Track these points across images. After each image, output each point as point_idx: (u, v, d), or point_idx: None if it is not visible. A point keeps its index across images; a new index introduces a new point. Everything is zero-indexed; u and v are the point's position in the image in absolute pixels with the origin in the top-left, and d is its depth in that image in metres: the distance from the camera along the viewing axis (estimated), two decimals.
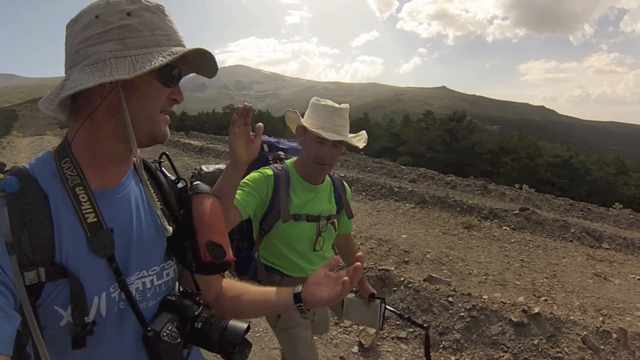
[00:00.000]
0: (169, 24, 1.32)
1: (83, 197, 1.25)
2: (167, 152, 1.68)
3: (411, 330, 6.14)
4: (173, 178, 1.66)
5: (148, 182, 1.49)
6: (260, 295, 1.75)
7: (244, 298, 1.73)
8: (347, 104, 2.95)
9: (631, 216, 16.55)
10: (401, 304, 6.77)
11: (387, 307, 3.58)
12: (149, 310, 1.40)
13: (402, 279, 7.18)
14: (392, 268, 7.71)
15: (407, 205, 13.98)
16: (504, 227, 12.35)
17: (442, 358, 5.83)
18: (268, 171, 2.86)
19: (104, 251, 1.25)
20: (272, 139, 3.36)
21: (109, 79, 1.18)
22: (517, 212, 13.10)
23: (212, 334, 1.42)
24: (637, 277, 9.43)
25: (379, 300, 3.47)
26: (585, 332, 5.88)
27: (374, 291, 3.55)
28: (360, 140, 3.04)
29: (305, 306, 1.67)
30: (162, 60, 1.22)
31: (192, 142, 26.68)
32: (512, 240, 11.33)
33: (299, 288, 1.68)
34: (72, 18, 1.30)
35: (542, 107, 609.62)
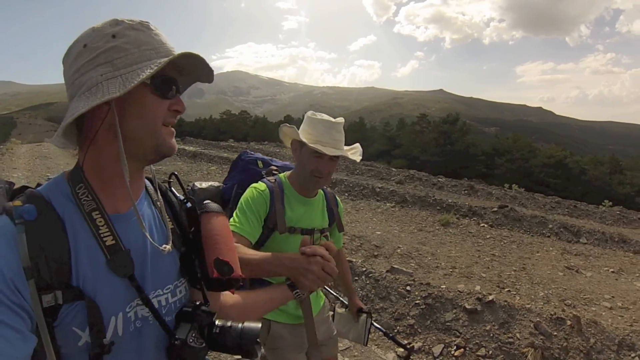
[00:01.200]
0: (156, 37, 1.33)
1: (100, 222, 1.29)
2: (176, 173, 1.78)
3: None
4: (182, 198, 1.68)
5: (159, 203, 1.55)
6: (259, 295, 1.84)
7: (245, 302, 1.78)
8: (343, 118, 2.95)
9: (618, 212, 16.80)
10: (361, 292, 6.97)
11: (373, 323, 3.68)
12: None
13: (364, 269, 7.37)
14: (359, 260, 7.88)
15: (388, 204, 14.17)
16: (482, 224, 12.56)
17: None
18: (261, 186, 2.85)
19: (124, 271, 1.29)
20: (266, 158, 3.32)
21: (99, 101, 1.21)
22: (495, 209, 13.30)
23: (230, 338, 1.47)
24: (611, 270, 9.65)
25: (365, 315, 3.55)
26: (538, 319, 6.04)
27: (363, 306, 3.63)
28: (355, 153, 3.04)
29: (301, 292, 1.82)
30: (149, 72, 1.23)
31: (186, 147, 26.79)
32: (488, 236, 11.53)
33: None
34: (64, 53, 1.35)
35: (540, 108, 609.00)
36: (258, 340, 1.51)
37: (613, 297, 7.97)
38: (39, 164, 19.19)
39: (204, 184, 3.02)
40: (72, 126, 1.32)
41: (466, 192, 18.57)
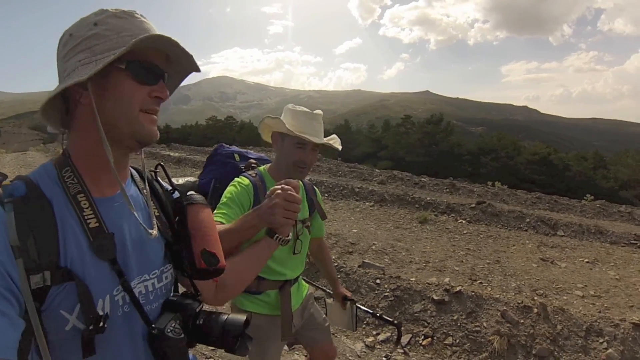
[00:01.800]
0: (140, 24, 1.33)
1: (84, 204, 1.30)
2: (162, 163, 1.75)
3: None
4: (169, 188, 1.70)
5: (144, 189, 1.57)
6: (245, 255, 1.84)
7: (236, 267, 1.78)
8: (321, 110, 3.02)
9: (598, 206, 16.88)
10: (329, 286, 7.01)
11: (360, 307, 3.75)
12: (152, 313, 1.45)
13: (336, 264, 7.49)
14: (333, 257, 7.93)
15: (367, 203, 14.22)
16: (460, 220, 12.64)
17: (364, 332, 6.21)
18: (245, 181, 2.85)
19: (106, 254, 1.30)
20: (242, 150, 3.33)
21: (67, 84, 1.25)
22: (473, 205, 13.39)
23: (213, 329, 1.48)
24: (586, 260, 9.74)
25: (350, 302, 3.61)
26: (505, 308, 6.15)
27: (348, 293, 3.69)
28: (336, 142, 3.10)
29: (281, 235, 1.84)
30: (112, 56, 1.24)
31: (171, 153, 26.75)
32: (465, 232, 11.60)
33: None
34: None
35: (525, 107, 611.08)
36: (245, 333, 1.53)
37: (586, 286, 8.06)
38: (25, 173, 19.17)
39: (180, 180, 2.95)
40: (56, 111, 1.37)
41: (448, 190, 18.62)
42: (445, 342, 5.96)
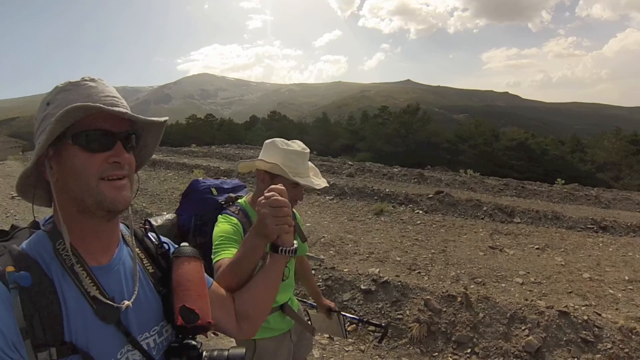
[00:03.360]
0: (84, 91, 1.33)
1: (83, 274, 1.32)
2: (149, 219, 1.79)
3: None
4: (157, 242, 1.70)
5: (137, 252, 1.57)
6: (256, 280, 1.81)
7: (250, 293, 1.78)
8: (307, 148, 2.98)
9: (565, 190, 17.21)
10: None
11: (346, 315, 3.84)
12: None
13: None
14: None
15: (327, 197, 14.35)
16: (417, 211, 12.79)
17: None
18: (233, 219, 2.82)
19: (111, 318, 1.33)
20: (216, 181, 3.28)
21: (24, 170, 1.35)
22: (431, 195, 13.53)
23: None
24: (536, 247, 9.93)
25: (336, 313, 3.70)
26: (429, 297, 6.28)
27: (331, 304, 3.78)
28: (323, 182, 3.08)
29: (284, 246, 1.77)
30: (41, 141, 1.27)
31: None
32: (418, 222, 11.75)
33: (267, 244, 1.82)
34: None
35: (507, 93, 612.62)
36: None
37: (528, 273, 8.22)
38: (3, 183, 18.74)
39: (159, 220, 2.90)
40: (35, 188, 1.43)
41: (415, 180, 18.75)
42: (369, 328, 6.17)
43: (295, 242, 1.83)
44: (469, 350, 5.78)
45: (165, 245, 1.69)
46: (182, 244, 1.68)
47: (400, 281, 6.88)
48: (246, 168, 3.05)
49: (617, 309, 6.78)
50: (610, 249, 10.16)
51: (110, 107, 1.28)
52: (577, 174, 44.52)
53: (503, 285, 7.58)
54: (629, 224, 11.85)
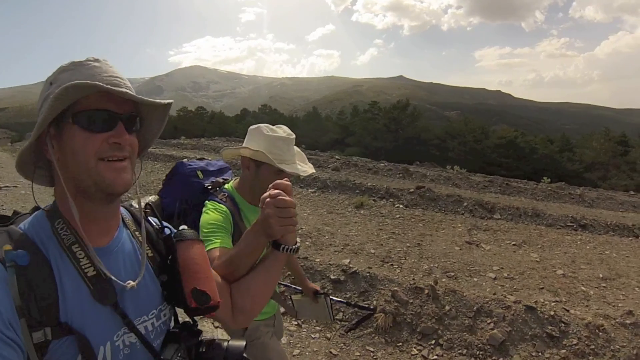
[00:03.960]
0: (86, 71, 1.31)
1: (80, 254, 1.31)
2: (150, 203, 1.79)
3: None
4: (159, 226, 1.68)
5: (136, 232, 1.57)
6: (256, 274, 1.76)
7: (250, 287, 1.75)
8: (293, 134, 2.91)
9: (549, 189, 17.28)
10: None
11: (333, 298, 3.78)
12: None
13: None
14: None
15: (309, 190, 14.42)
16: (397, 205, 12.85)
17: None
18: (222, 207, 2.77)
19: (108, 299, 1.32)
20: (201, 163, 3.14)
21: (22, 148, 1.33)
22: (412, 190, 13.57)
23: (216, 357, 1.51)
24: (513, 243, 10.01)
25: (323, 295, 3.64)
26: (396, 288, 6.32)
27: (317, 288, 3.72)
28: (310, 168, 3.01)
29: (287, 244, 1.71)
30: (41, 117, 1.26)
31: None
32: (397, 216, 11.81)
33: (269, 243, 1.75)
34: None
35: (499, 91, 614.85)
36: (245, 357, 1.54)
37: (502, 268, 8.27)
38: None
39: (142, 202, 2.81)
40: (34, 166, 1.40)
41: (401, 175, 18.77)
42: (336, 317, 6.19)
43: (298, 240, 1.80)
44: (433, 342, 5.81)
45: (167, 229, 1.68)
46: (182, 227, 1.67)
47: (369, 272, 6.93)
48: (231, 155, 3.05)
49: (587, 305, 6.83)
50: (588, 247, 10.24)
51: (110, 87, 1.25)
52: (565, 173, 44.94)
53: (475, 279, 7.63)
54: (608, 223, 11.95)
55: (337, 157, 24.54)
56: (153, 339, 1.46)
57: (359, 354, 5.83)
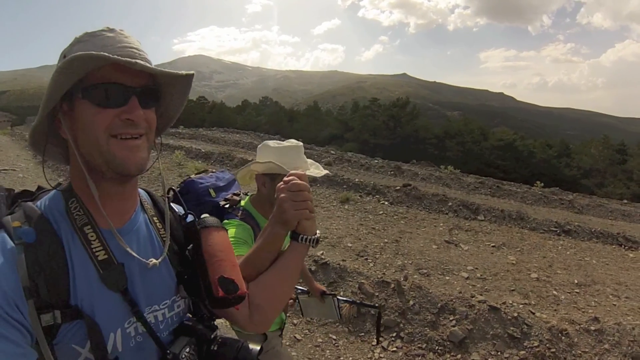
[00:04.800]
0: (100, 42, 1.24)
1: (92, 236, 1.28)
2: (174, 188, 1.66)
3: None
4: (182, 212, 1.64)
5: (154, 217, 1.52)
6: (274, 268, 1.69)
7: (270, 284, 1.66)
8: (302, 143, 2.91)
9: (539, 193, 17.33)
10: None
11: (340, 298, 3.84)
12: (164, 340, 1.41)
13: None
14: None
15: None
16: (382, 202, 12.96)
17: None
18: (243, 224, 2.72)
19: (117, 286, 1.27)
20: (211, 179, 2.99)
21: (34, 124, 1.29)
22: (398, 187, 13.66)
23: (227, 356, 1.44)
24: (492, 245, 10.04)
25: (331, 296, 3.72)
26: (364, 281, 6.46)
27: (324, 289, 3.79)
28: (322, 169, 3.01)
29: (306, 234, 1.64)
30: (47, 92, 1.21)
31: None
32: (381, 212, 11.90)
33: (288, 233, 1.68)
34: None
35: (502, 93, 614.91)
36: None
37: (476, 268, 8.34)
38: None
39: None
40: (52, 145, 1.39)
41: (392, 172, 18.85)
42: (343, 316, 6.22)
43: (318, 231, 1.72)
44: (394, 335, 5.93)
45: (190, 216, 1.61)
46: (203, 215, 1.61)
47: (340, 264, 7.06)
48: (245, 177, 3.02)
49: (556, 310, 6.88)
50: (568, 253, 10.27)
51: (117, 57, 1.16)
52: (562, 179, 45.01)
53: (447, 278, 7.70)
54: (592, 230, 11.96)
55: (332, 152, 24.59)
56: (162, 329, 1.43)
57: (321, 340, 5.98)
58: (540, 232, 11.72)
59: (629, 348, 5.66)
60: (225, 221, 2.71)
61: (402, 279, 6.61)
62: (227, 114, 70.70)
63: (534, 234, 11.48)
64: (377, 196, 13.39)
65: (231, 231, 2.60)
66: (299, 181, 1.59)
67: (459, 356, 5.62)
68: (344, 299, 4.18)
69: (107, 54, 1.13)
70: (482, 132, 59.39)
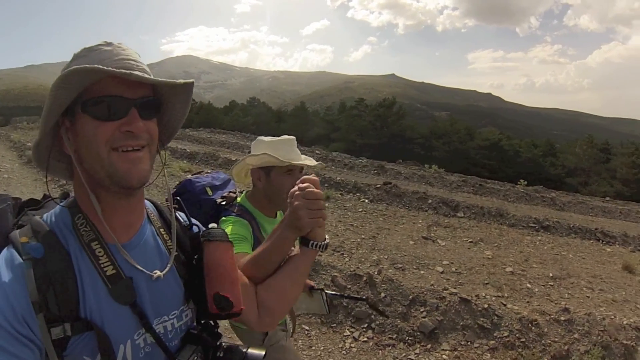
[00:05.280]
0: (96, 56, 1.25)
1: (99, 252, 1.28)
2: (179, 198, 1.67)
3: None
4: (187, 222, 1.65)
5: (161, 229, 1.52)
6: (283, 271, 1.71)
7: (279, 286, 1.69)
8: (294, 137, 2.94)
9: (522, 191, 17.47)
10: None
11: (328, 292, 3.97)
12: (172, 349, 1.43)
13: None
14: None
15: None
16: (363, 200, 13.08)
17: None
18: (241, 220, 2.74)
19: (126, 299, 1.28)
20: (207, 179, 3.06)
21: (35, 142, 1.30)
22: (379, 186, 13.79)
23: None
24: (470, 240, 10.22)
25: (319, 291, 3.72)
26: (336, 274, 6.63)
27: (312, 284, 3.79)
28: (312, 161, 3.03)
29: (316, 240, 1.65)
30: (47, 102, 1.20)
31: None
32: (360, 210, 12.03)
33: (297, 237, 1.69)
34: None
35: (489, 94, 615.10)
36: None
37: (452, 263, 8.48)
38: None
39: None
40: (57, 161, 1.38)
41: (376, 172, 18.96)
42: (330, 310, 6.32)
43: (327, 237, 1.73)
44: (365, 325, 6.03)
45: (195, 227, 1.63)
46: (211, 226, 1.59)
47: (316, 258, 6.99)
48: (240, 173, 3.04)
49: (528, 302, 7.03)
50: (545, 247, 10.49)
51: (113, 69, 1.16)
52: (547, 177, 45.37)
53: (422, 272, 7.81)
54: (571, 226, 12.20)
55: (317, 151, 24.63)
56: (171, 338, 1.44)
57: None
58: (519, 228, 11.92)
59: (599, 337, 5.80)
60: (223, 218, 2.76)
61: (375, 273, 6.70)
62: (215, 115, 70.51)
63: (512, 230, 11.67)
64: (358, 194, 13.50)
65: (229, 228, 2.63)
66: (315, 189, 1.59)
67: (429, 346, 5.73)
68: (332, 292, 4.27)
69: (101, 67, 1.14)
70: (468, 132, 59.67)
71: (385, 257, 8.40)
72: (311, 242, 1.64)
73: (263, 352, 1.48)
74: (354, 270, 6.87)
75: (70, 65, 1.22)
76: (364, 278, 6.59)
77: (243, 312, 1.51)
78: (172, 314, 1.44)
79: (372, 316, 6.07)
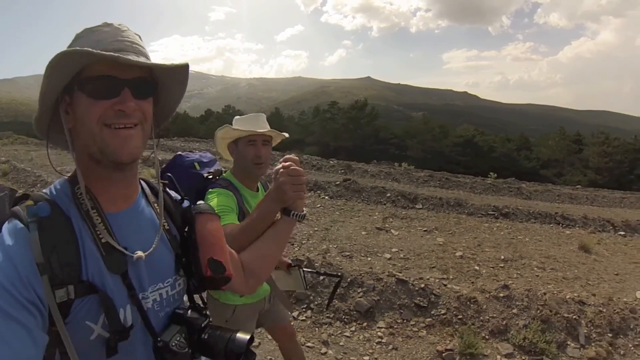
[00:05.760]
0: (95, 36, 1.30)
1: (97, 219, 1.31)
2: (171, 175, 1.86)
3: None
4: (178, 198, 1.71)
5: (155, 203, 1.56)
6: (265, 238, 1.82)
7: (259, 251, 1.79)
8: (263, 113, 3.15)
9: (489, 183, 17.80)
10: None
11: (304, 269, 4.12)
12: (163, 319, 1.47)
13: None
14: None
15: None
16: (323, 196, 13.28)
17: None
18: (227, 191, 2.88)
19: (118, 269, 1.31)
20: (195, 156, 3.17)
21: (36, 115, 1.34)
22: (338, 182, 14.03)
23: (217, 345, 1.47)
24: (424, 229, 10.49)
25: (297, 267, 3.82)
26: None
27: (290, 261, 3.89)
28: (282, 132, 3.26)
29: (296, 211, 1.81)
30: (44, 81, 1.25)
31: None
32: (319, 206, 12.21)
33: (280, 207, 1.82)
34: None
35: (465, 92, 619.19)
36: (250, 350, 1.50)
37: (401, 250, 8.72)
38: None
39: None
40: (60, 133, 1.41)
41: (343, 171, 19.17)
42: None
43: (305, 209, 1.91)
44: (305, 306, 6.21)
45: (186, 201, 1.70)
46: (199, 202, 1.68)
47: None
48: (225, 150, 3.23)
49: (473, 282, 7.29)
50: (502, 233, 10.77)
51: (101, 52, 1.20)
52: (523, 171, 45.73)
53: (369, 259, 8.04)
54: (531, 212, 12.53)
55: (287, 155, 24.83)
56: (165, 306, 1.48)
57: None
58: (478, 216, 12.23)
59: (538, 312, 5.99)
60: (210, 190, 2.89)
61: (308, 256, 6.89)
62: (191, 124, 70.44)
63: (471, 218, 11.96)
64: (318, 191, 13.69)
65: (217, 199, 2.78)
66: (298, 167, 1.80)
67: (364, 324, 5.90)
68: (308, 270, 4.43)
69: (90, 50, 1.18)
70: (442, 130, 60.03)
71: (335, 246, 8.60)
72: (292, 212, 1.81)
73: (248, 337, 1.50)
74: (295, 256, 7.05)
75: (72, 45, 1.28)
76: (304, 263, 6.73)
77: (232, 280, 1.59)
78: (167, 282, 1.49)
79: (311, 297, 6.27)
